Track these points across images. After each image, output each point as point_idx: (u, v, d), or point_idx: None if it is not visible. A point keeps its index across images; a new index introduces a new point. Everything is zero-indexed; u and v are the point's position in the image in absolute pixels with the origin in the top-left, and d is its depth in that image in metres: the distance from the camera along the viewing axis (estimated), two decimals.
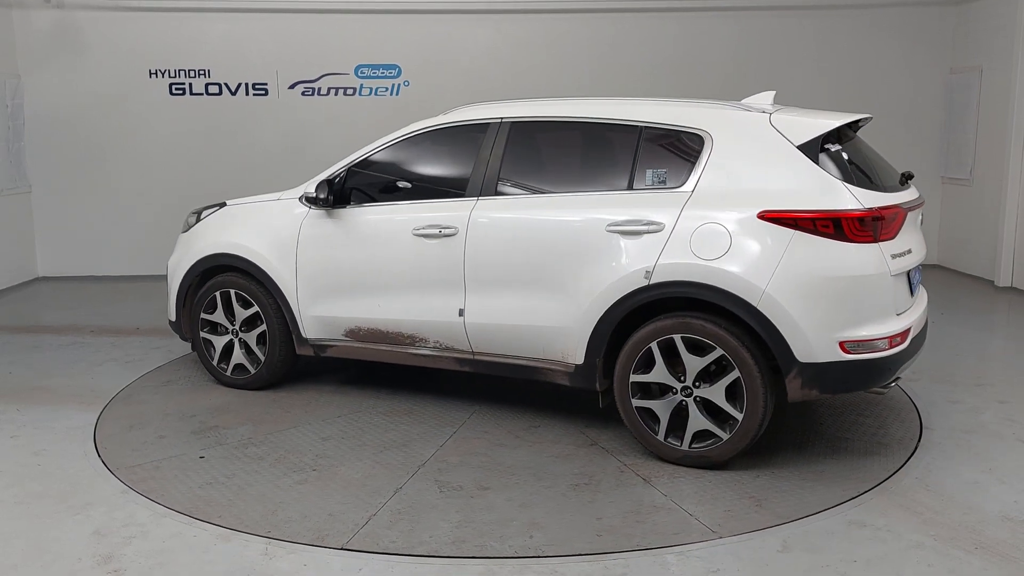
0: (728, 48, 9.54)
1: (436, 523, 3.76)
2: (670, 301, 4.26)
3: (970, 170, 9.18)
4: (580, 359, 4.48)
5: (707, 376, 4.19)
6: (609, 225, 4.36)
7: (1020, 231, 8.43)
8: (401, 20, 9.40)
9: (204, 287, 5.65)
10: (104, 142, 9.38)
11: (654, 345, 4.24)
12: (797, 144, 4.16)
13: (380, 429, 4.91)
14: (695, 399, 4.21)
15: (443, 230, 4.81)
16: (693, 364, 4.18)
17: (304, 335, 5.36)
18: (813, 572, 3.32)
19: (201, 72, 9.35)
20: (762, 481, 4.12)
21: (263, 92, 9.43)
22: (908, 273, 4.33)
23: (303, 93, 9.46)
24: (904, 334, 4.15)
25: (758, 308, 4.02)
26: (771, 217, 4.05)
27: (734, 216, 4.12)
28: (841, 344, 4.00)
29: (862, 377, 4.13)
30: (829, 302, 4.01)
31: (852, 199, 4.03)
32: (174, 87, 9.36)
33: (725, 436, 4.16)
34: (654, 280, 4.21)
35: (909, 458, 4.40)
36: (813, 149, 4.14)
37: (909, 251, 4.26)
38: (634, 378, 4.32)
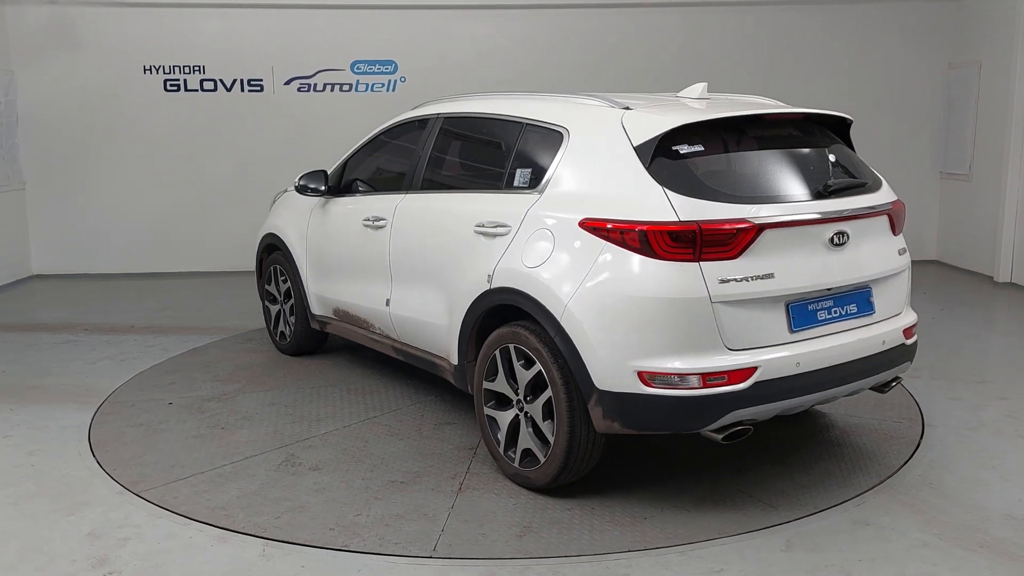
0: (727, 43, 9.50)
1: (228, 491, 4.01)
2: (516, 308, 3.99)
3: (969, 165, 9.16)
4: (455, 360, 4.40)
5: (536, 392, 3.90)
6: (475, 225, 4.23)
7: (1020, 226, 8.41)
8: (397, 16, 9.35)
9: (266, 262, 6.36)
10: (98, 139, 9.32)
11: (497, 353, 4.03)
12: (635, 145, 3.69)
13: (321, 403, 5.23)
14: (526, 414, 3.94)
15: (376, 221, 5.02)
16: (523, 377, 3.91)
17: (312, 311, 5.83)
18: (817, 571, 3.29)
19: (196, 68, 9.29)
20: (570, 513, 3.76)
21: (258, 88, 9.37)
22: (788, 303, 3.63)
23: (299, 89, 9.40)
24: (741, 373, 3.48)
25: (561, 323, 3.66)
26: (589, 225, 3.66)
27: (561, 222, 3.79)
28: (640, 374, 3.49)
29: (669, 416, 3.51)
30: (629, 325, 3.51)
31: (667, 209, 3.49)
32: (169, 83, 9.30)
33: (542, 459, 3.85)
34: (494, 284, 4.03)
35: (912, 456, 4.37)
36: (647, 151, 3.65)
37: (770, 275, 3.54)
38: (485, 385, 4.13)
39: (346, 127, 9.00)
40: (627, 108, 3.92)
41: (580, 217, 3.70)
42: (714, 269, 3.46)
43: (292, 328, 6.08)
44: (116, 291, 8.68)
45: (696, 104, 4.17)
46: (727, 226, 3.48)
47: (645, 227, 3.48)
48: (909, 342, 4.11)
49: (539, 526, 3.66)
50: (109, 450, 4.53)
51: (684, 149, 3.70)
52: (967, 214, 9.23)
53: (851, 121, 4.30)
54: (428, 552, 3.46)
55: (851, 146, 4.32)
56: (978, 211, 8.98)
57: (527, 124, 4.28)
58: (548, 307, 3.72)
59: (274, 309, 6.30)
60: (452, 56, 9.42)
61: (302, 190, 5.60)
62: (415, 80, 9.35)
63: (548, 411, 3.80)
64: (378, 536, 3.59)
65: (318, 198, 5.66)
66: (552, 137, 4.08)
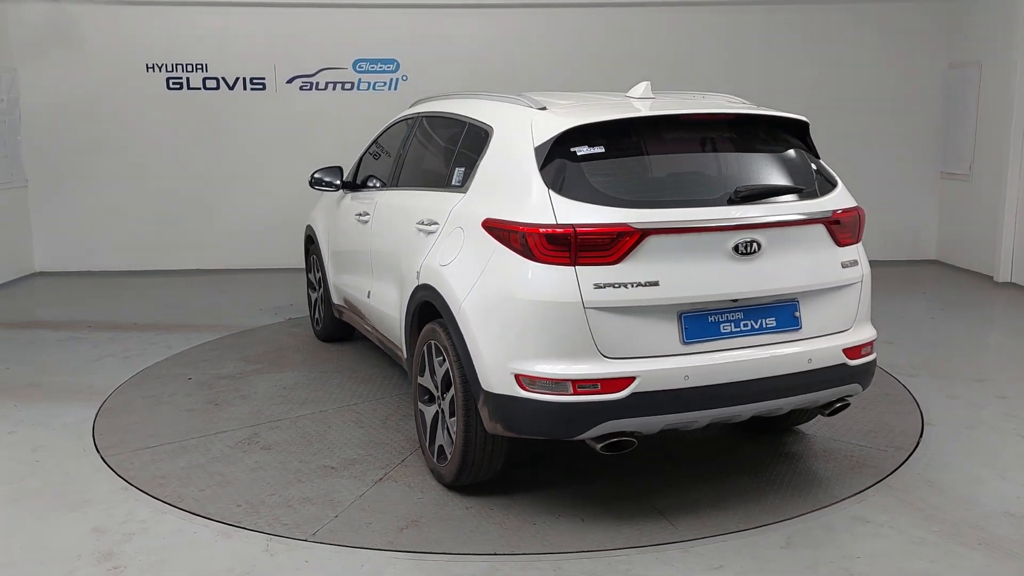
0: (725, 42, 9.51)
1: (179, 462, 4.35)
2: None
3: (969, 165, 9.17)
4: (405, 352, 4.50)
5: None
6: (416, 222, 4.34)
7: (1020, 226, 8.42)
8: (399, 14, 9.36)
9: (309, 251, 6.73)
10: (101, 136, 9.33)
11: (425, 349, 4.09)
12: (535, 145, 3.65)
13: (316, 388, 5.51)
14: (441, 410, 3.98)
15: (363, 216, 5.29)
16: (438, 374, 3.96)
17: (332, 299, 6.12)
18: (816, 568, 3.31)
19: (199, 66, 9.30)
20: (465, 512, 3.77)
21: (261, 86, 9.38)
22: (681, 313, 3.47)
23: (301, 87, 9.41)
24: (616, 383, 3.36)
25: (457, 322, 3.71)
26: (487, 225, 3.68)
27: (471, 221, 3.80)
28: (517, 377, 3.44)
29: (543, 421, 3.45)
30: (507, 327, 3.50)
31: (548, 212, 3.45)
32: (171, 81, 9.31)
33: (449, 456, 3.88)
34: (420, 281, 4.12)
35: (911, 454, 4.38)
36: (543, 152, 3.61)
37: (654, 283, 3.41)
38: (419, 380, 4.20)
39: (348, 126, 9.05)
40: (542, 108, 3.88)
41: (484, 217, 3.72)
42: (590, 274, 3.38)
43: (322, 315, 6.44)
44: (118, 288, 8.70)
45: (639, 104, 4.03)
46: (605, 230, 3.38)
47: (524, 229, 3.47)
48: (855, 362, 3.77)
49: (427, 521, 3.71)
50: (110, 417, 4.99)
51: (583, 151, 3.64)
52: (967, 214, 9.25)
53: (806, 123, 4.04)
54: (307, 536, 3.57)
55: (811, 148, 4.07)
56: (978, 211, 9.00)
57: (468, 124, 4.34)
58: (449, 305, 3.77)
59: (313, 296, 6.67)
60: (454, 55, 9.42)
61: (315, 184, 5.80)
62: (417, 79, 9.36)
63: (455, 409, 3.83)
64: (274, 516, 3.75)
65: (338, 193, 5.90)
66: (481, 137, 4.11)
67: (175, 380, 5.65)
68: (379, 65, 9.45)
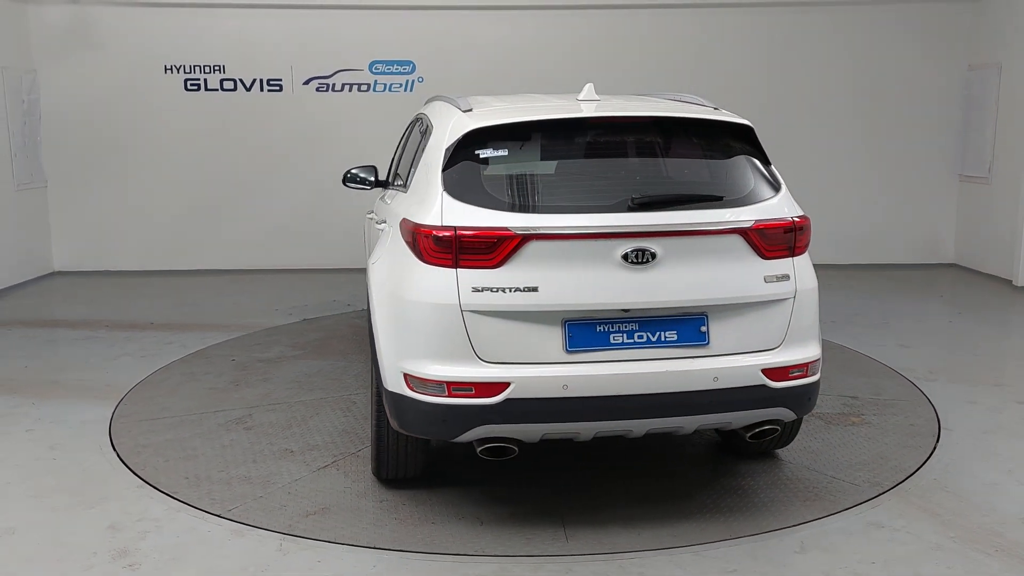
0: (743, 44, 9.47)
1: (164, 435, 4.63)
2: None
3: (988, 168, 9.09)
4: None
5: None
6: (377, 221, 4.54)
7: None
8: (415, 16, 9.38)
9: None
10: (120, 137, 9.40)
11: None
12: (445, 147, 3.66)
13: (332, 376, 5.70)
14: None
15: (370, 214, 5.44)
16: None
17: None
18: (831, 573, 3.29)
19: (216, 68, 9.36)
20: (376, 505, 3.84)
21: (278, 88, 9.43)
22: (565, 321, 3.38)
23: (317, 89, 9.45)
24: (490, 387, 3.33)
25: (370, 319, 3.81)
26: (401, 226, 3.74)
27: (396, 221, 3.87)
28: (405, 376, 3.46)
29: (423, 422, 3.47)
30: (398, 327, 3.55)
31: (435, 213, 3.47)
32: (189, 82, 9.37)
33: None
34: (366, 278, 4.24)
35: (927, 459, 4.35)
36: (448, 154, 3.62)
37: (533, 288, 3.34)
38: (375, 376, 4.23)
39: (364, 127, 9.10)
40: (468, 110, 3.87)
41: (402, 217, 3.79)
42: (470, 277, 3.37)
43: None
44: (135, 288, 8.76)
45: (586, 106, 3.92)
46: (484, 234, 3.37)
47: (418, 230, 3.51)
48: (779, 385, 3.50)
49: (336, 510, 3.81)
50: (144, 390, 5.43)
51: (485, 153, 3.65)
52: (986, 217, 9.16)
53: (749, 127, 3.79)
54: (222, 512, 3.77)
55: (759, 153, 3.78)
56: (997, 214, 8.92)
57: (427, 125, 4.37)
58: (369, 301, 3.93)
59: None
60: (470, 56, 9.44)
61: (347, 180, 5.62)
62: (433, 80, 9.37)
63: None
64: (208, 492, 3.96)
65: (376, 191, 5.91)
66: (428, 139, 4.12)
67: (220, 360, 6.04)
68: (395, 67, 9.48)
